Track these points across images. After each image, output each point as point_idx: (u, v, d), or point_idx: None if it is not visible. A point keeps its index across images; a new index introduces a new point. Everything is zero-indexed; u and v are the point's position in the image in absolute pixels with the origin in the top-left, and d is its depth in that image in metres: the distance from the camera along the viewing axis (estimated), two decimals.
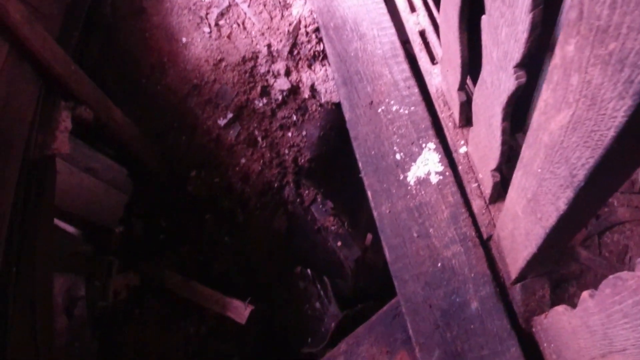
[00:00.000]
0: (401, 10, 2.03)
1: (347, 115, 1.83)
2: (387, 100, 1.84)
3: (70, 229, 2.54)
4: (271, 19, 2.31)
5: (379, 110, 1.82)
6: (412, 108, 1.80)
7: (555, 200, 0.91)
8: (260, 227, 2.41)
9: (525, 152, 1.00)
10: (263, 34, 2.30)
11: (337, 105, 2.36)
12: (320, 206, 2.37)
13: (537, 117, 0.89)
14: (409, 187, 1.65)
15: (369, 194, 1.68)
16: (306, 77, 2.34)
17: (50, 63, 1.87)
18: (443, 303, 1.46)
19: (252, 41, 2.29)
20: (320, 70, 2.34)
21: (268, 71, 2.32)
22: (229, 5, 2.29)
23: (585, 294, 1.00)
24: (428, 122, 1.77)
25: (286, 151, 2.36)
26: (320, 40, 2.35)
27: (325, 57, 2.36)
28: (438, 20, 1.93)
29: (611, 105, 0.62)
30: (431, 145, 1.72)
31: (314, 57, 2.34)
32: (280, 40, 2.30)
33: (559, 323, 1.20)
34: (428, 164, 1.68)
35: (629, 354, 0.89)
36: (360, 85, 1.89)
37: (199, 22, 2.29)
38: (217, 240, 2.44)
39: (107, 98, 2.09)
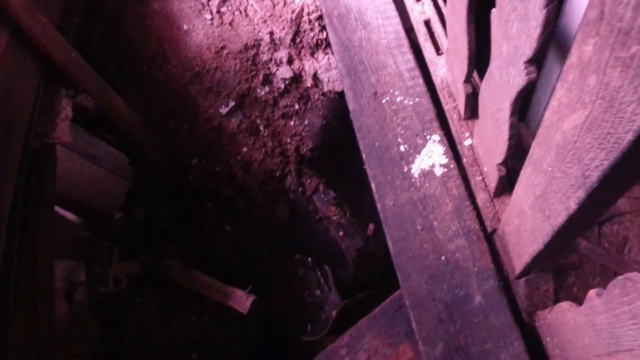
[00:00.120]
0: None
1: (351, 105, 1.82)
2: (391, 91, 1.82)
3: (70, 216, 2.54)
4: (273, 6, 2.28)
5: (383, 101, 1.80)
6: (417, 99, 1.78)
7: (566, 200, 0.90)
8: (262, 216, 2.41)
9: (535, 150, 0.99)
10: (265, 21, 2.27)
11: (340, 94, 2.34)
12: (322, 196, 2.36)
13: (549, 116, 0.88)
14: (413, 180, 1.64)
15: (373, 186, 1.67)
16: (309, 65, 2.32)
17: (51, 51, 1.84)
18: (446, 297, 1.46)
19: (254, 28, 2.26)
20: (323, 58, 2.31)
21: (270, 59, 2.29)
22: None
23: (592, 292, 1.00)
24: (433, 113, 1.75)
25: (288, 140, 2.35)
26: (323, 28, 2.32)
27: (328, 45, 2.33)
28: (444, 11, 1.90)
29: (630, 109, 0.61)
30: (436, 137, 1.70)
31: (317, 46, 2.31)
32: (283, 28, 2.27)
33: (563, 319, 1.20)
34: (432, 156, 1.67)
35: (635, 355, 0.89)
36: (364, 76, 1.86)
37: (201, 8, 2.25)
38: (219, 229, 2.43)
39: (108, 86, 2.07)
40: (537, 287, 1.38)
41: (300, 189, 2.38)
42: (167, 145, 2.34)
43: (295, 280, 2.82)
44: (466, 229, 1.54)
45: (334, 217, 2.33)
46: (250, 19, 2.25)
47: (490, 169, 1.51)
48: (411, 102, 1.78)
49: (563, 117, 0.81)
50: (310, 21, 2.30)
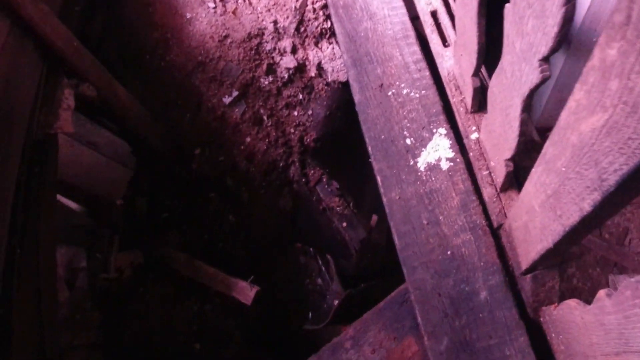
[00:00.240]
0: None
1: (357, 97, 1.80)
2: (397, 83, 1.80)
3: (72, 205, 2.53)
4: None
5: (389, 93, 1.78)
6: (423, 92, 1.77)
7: (580, 201, 0.89)
8: (265, 206, 2.40)
9: (549, 149, 0.98)
10: (269, 10, 2.24)
11: (344, 85, 2.32)
12: (326, 186, 2.35)
13: (565, 116, 0.87)
14: (419, 173, 1.64)
15: (379, 179, 1.66)
16: (313, 55, 2.29)
17: (53, 40, 1.81)
18: (452, 291, 1.46)
19: (258, 17, 2.23)
20: (327, 48, 2.29)
21: (274, 48, 2.27)
22: None
23: (602, 292, 1.00)
24: (439, 106, 1.74)
25: (292, 130, 2.33)
26: (327, 17, 2.29)
27: (332, 34, 2.30)
28: (451, 2, 1.88)
29: None
30: (442, 130, 1.69)
31: (321, 35, 2.29)
32: (287, 17, 2.24)
33: (570, 316, 1.20)
34: (439, 149, 1.66)
35: None
36: (370, 67, 1.84)
37: None
38: (222, 219, 2.43)
39: (110, 75, 2.05)
40: (543, 283, 1.38)
41: (303, 180, 2.37)
42: (170, 135, 2.32)
43: (296, 268, 2.82)
44: (472, 223, 1.54)
45: (338, 208, 2.32)
46: (253, 8, 2.22)
47: (497, 164, 1.50)
48: (417, 95, 1.76)
49: (581, 119, 0.80)
50: (314, 10, 2.27)
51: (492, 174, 1.58)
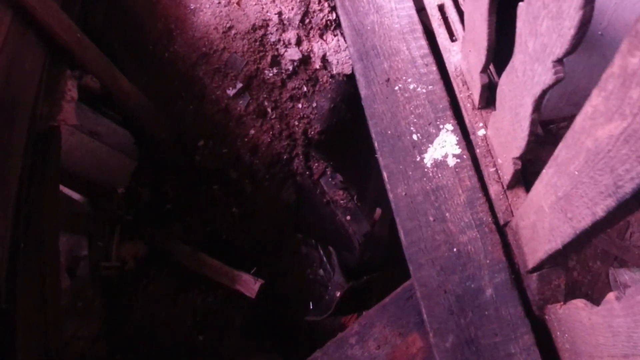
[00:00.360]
0: None
1: (363, 92, 1.79)
2: (404, 77, 1.79)
3: (73, 194, 2.53)
4: None
5: (396, 88, 1.77)
6: (430, 87, 1.75)
7: (592, 206, 0.89)
8: (269, 198, 2.40)
9: (562, 152, 0.98)
10: (274, 1, 2.22)
11: (349, 77, 2.30)
12: (330, 179, 2.34)
13: (580, 120, 0.86)
14: (426, 170, 1.63)
15: (385, 175, 1.65)
16: (317, 47, 2.27)
17: (55, 30, 1.79)
18: (458, 289, 1.46)
19: (263, 8, 2.21)
20: (332, 40, 2.27)
21: (279, 40, 2.24)
22: None
23: (611, 295, 1.00)
24: (446, 102, 1.73)
25: (296, 123, 2.32)
26: (332, 8, 2.27)
27: (337, 26, 2.28)
28: None
29: None
30: (449, 126, 1.68)
31: (326, 27, 2.27)
32: (292, 8, 2.22)
33: (576, 316, 1.20)
34: (445, 146, 1.65)
35: None
36: (376, 61, 1.83)
37: None
38: (225, 211, 2.43)
39: (113, 66, 2.03)
40: (549, 281, 1.38)
41: (307, 172, 2.36)
42: (174, 126, 2.31)
43: (297, 259, 2.83)
44: (478, 221, 1.54)
45: (342, 201, 2.32)
46: None
47: (505, 162, 1.50)
48: (424, 90, 1.75)
49: (597, 125, 0.79)
50: (319, 1, 2.25)
51: (499, 171, 1.57)
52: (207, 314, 2.33)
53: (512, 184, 1.52)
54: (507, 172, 1.49)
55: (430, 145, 1.66)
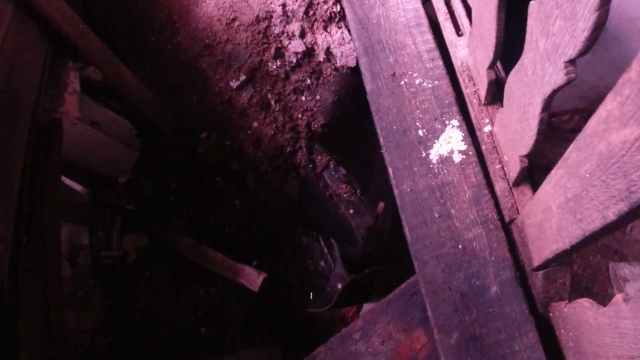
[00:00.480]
0: None
1: (369, 87, 1.77)
2: (410, 72, 1.77)
3: (74, 184, 2.52)
4: None
5: (402, 82, 1.76)
6: (436, 82, 1.74)
7: (603, 209, 0.88)
8: (271, 191, 2.39)
9: (573, 154, 0.97)
10: None
11: (353, 70, 2.28)
12: (333, 172, 2.34)
13: (593, 124, 0.85)
14: (431, 166, 1.62)
15: (390, 171, 1.64)
16: (321, 39, 2.25)
17: (58, 22, 1.77)
18: (463, 286, 1.46)
19: (267, 0, 2.18)
20: (337, 32, 2.25)
21: (282, 32, 2.22)
22: None
23: (619, 297, 1.00)
24: (452, 97, 1.71)
25: (299, 115, 2.31)
26: (337, 0, 2.24)
27: (341, 18, 2.26)
28: None
29: None
30: (455, 122, 1.67)
31: (330, 19, 2.24)
32: (296, 0, 2.19)
33: (582, 316, 1.20)
34: (451, 142, 1.64)
35: None
36: (382, 55, 1.81)
37: None
38: (227, 204, 2.42)
39: (116, 58, 2.01)
40: (555, 279, 1.38)
41: (310, 166, 2.35)
42: (176, 118, 2.30)
43: (298, 249, 2.83)
44: (484, 217, 1.53)
45: (345, 195, 2.31)
46: None
47: (511, 159, 1.49)
48: (430, 85, 1.74)
49: (612, 129, 0.78)
50: None
51: (505, 168, 1.57)
52: (209, 306, 2.33)
53: (518, 181, 1.52)
54: (514, 169, 1.48)
55: (436, 141, 1.66)
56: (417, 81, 1.75)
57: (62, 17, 1.79)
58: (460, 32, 1.82)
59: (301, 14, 2.21)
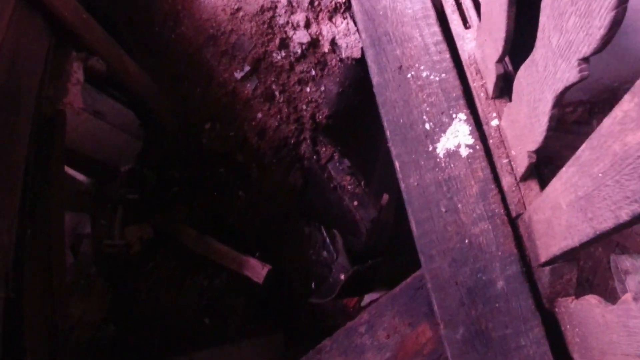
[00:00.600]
0: None
1: (375, 79, 1.76)
2: (417, 65, 1.76)
3: (76, 173, 2.51)
4: None
5: (409, 75, 1.75)
6: (443, 75, 1.73)
7: (616, 209, 0.88)
8: (275, 183, 2.39)
9: (585, 152, 0.96)
10: None
11: (358, 61, 2.27)
12: (337, 164, 2.33)
13: (608, 124, 0.84)
14: (438, 160, 1.62)
15: (397, 164, 1.64)
16: (326, 30, 2.23)
17: (61, 11, 1.75)
18: (469, 280, 1.46)
19: None
20: (342, 23, 2.23)
21: (287, 22, 2.20)
22: None
23: (628, 296, 1.00)
24: (459, 91, 1.70)
25: (304, 107, 2.29)
26: None
27: (347, 9, 2.24)
28: None
29: None
30: (462, 116, 1.66)
31: (335, 9, 2.22)
32: None
33: (589, 313, 1.20)
34: (458, 135, 1.64)
35: None
36: (389, 48, 1.80)
37: None
38: (231, 195, 2.42)
39: (120, 48, 1.99)
40: (561, 275, 1.38)
41: (314, 157, 2.35)
42: (180, 109, 2.28)
43: (300, 238, 2.83)
44: (490, 212, 1.53)
45: (349, 187, 2.31)
46: None
47: (519, 154, 1.49)
48: (437, 78, 1.72)
49: (627, 130, 0.78)
50: None
51: (512, 163, 1.56)
52: (212, 297, 2.34)
53: (526, 176, 1.51)
54: (521, 164, 1.48)
55: (443, 134, 1.65)
56: (424, 74, 1.74)
57: (65, 6, 1.77)
58: (467, 25, 1.80)
59: (306, 4, 2.19)
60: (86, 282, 2.38)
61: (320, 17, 2.23)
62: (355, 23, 2.12)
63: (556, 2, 1.01)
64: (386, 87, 1.74)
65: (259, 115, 2.27)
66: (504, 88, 1.62)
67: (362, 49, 2.12)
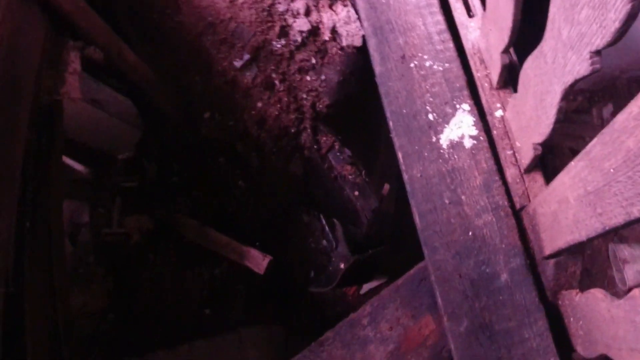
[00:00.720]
0: None
1: (377, 69, 1.74)
2: (419, 54, 1.73)
3: (74, 162, 2.49)
4: None
5: (411, 65, 1.72)
6: (447, 65, 1.71)
7: (628, 206, 0.87)
8: (276, 172, 2.37)
9: (596, 147, 0.95)
10: None
11: (359, 50, 2.23)
12: (338, 154, 2.31)
13: (622, 119, 0.83)
14: (442, 151, 1.60)
15: (400, 155, 1.62)
16: (327, 17, 2.20)
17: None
18: (473, 273, 1.46)
19: None
20: (342, 11, 2.19)
21: (287, 10, 2.17)
22: None
23: (636, 291, 0.99)
24: (463, 81, 1.68)
25: (304, 96, 2.27)
26: None
27: None
28: None
29: None
30: (465, 106, 1.64)
31: None
32: None
33: (595, 306, 1.20)
34: (462, 126, 1.62)
35: None
36: (391, 36, 1.77)
37: None
38: (231, 185, 2.40)
39: (118, 37, 1.95)
40: (566, 268, 1.38)
41: (315, 147, 2.32)
42: (179, 98, 2.25)
43: (299, 226, 2.82)
44: (494, 204, 1.52)
45: (350, 176, 2.29)
46: None
47: (524, 145, 1.47)
48: (441, 68, 1.70)
49: None
50: None
51: (517, 155, 1.55)
52: (213, 287, 2.33)
53: (530, 168, 1.50)
54: (526, 156, 1.46)
55: (446, 125, 1.63)
56: (427, 64, 1.71)
57: None
58: (471, 14, 1.78)
59: None
60: (86, 272, 2.38)
61: (320, 5, 2.20)
62: (356, 11, 2.09)
63: None
64: (389, 77, 1.71)
65: (259, 104, 2.24)
66: (508, 79, 1.61)
67: (363, 37, 2.09)
